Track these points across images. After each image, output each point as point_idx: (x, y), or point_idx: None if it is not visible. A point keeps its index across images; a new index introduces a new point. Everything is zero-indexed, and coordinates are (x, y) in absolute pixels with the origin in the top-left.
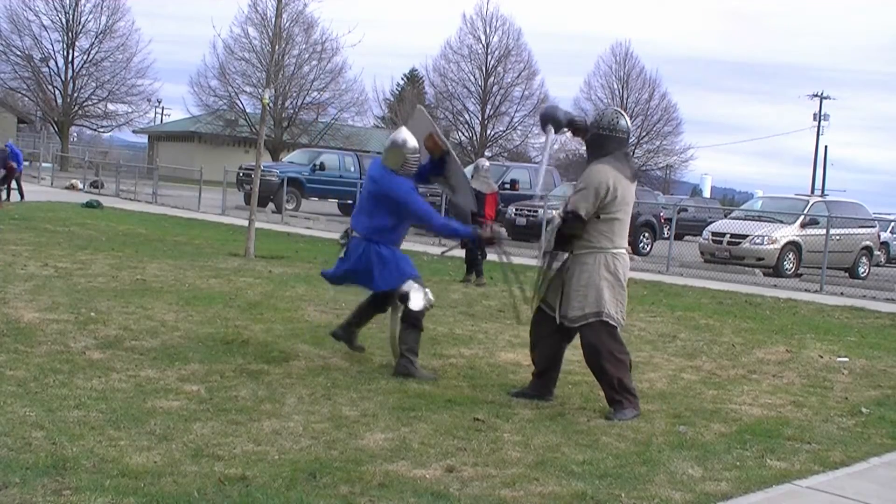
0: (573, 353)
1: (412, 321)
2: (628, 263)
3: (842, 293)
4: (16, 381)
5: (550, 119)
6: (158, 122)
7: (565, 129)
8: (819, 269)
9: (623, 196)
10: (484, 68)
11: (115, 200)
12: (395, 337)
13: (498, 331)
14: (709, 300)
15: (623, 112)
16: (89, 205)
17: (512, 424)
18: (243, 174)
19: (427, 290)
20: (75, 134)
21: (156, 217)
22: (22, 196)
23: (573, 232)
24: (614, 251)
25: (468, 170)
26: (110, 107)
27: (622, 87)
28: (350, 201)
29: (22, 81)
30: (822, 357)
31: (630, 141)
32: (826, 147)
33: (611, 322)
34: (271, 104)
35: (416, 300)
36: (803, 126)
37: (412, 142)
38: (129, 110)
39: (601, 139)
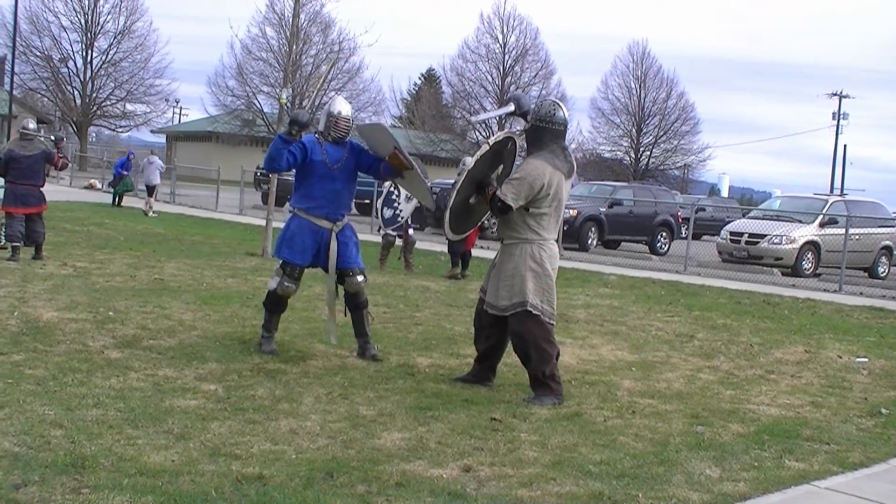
0: (589, 353)
1: (264, 298)
2: (556, 254)
3: (861, 293)
4: (35, 380)
5: (515, 100)
6: (176, 122)
7: (517, 114)
8: (838, 268)
9: (556, 193)
10: (501, 68)
11: (133, 200)
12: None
13: None
14: (726, 300)
15: (561, 104)
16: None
17: (529, 424)
18: (260, 174)
19: (285, 279)
20: (94, 134)
21: (173, 216)
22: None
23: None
24: (541, 242)
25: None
26: (128, 107)
27: (639, 86)
28: (367, 200)
29: (41, 82)
30: (840, 357)
31: (568, 133)
32: (845, 146)
33: (534, 311)
34: (288, 104)
35: (270, 281)
36: (822, 125)
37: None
38: (147, 110)
39: (539, 131)
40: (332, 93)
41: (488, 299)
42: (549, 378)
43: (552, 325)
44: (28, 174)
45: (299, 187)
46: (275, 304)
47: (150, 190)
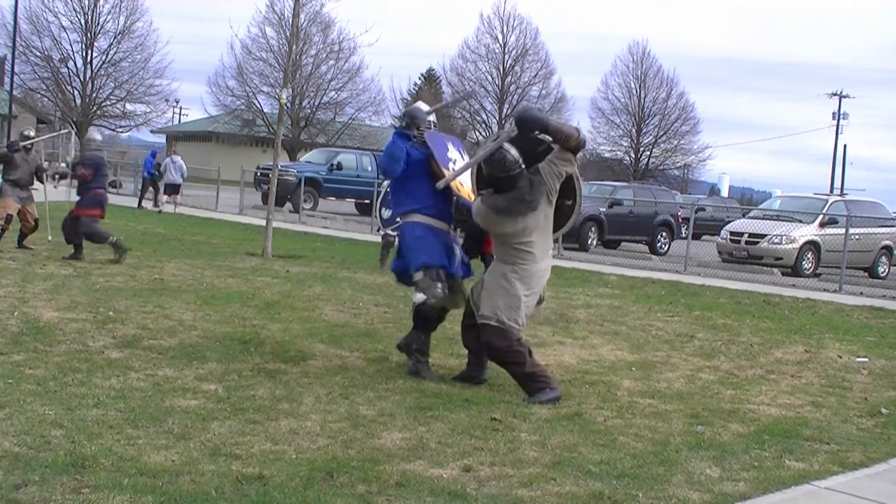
0: (589, 353)
1: (413, 318)
2: (534, 274)
3: (861, 293)
4: (35, 380)
5: (522, 119)
6: (176, 122)
7: (538, 133)
8: (838, 268)
9: (525, 230)
10: (501, 68)
11: (132, 200)
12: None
13: None
14: (727, 300)
15: (507, 148)
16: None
17: (529, 424)
18: (261, 174)
19: (437, 285)
20: None
21: (174, 216)
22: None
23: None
24: (521, 264)
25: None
26: (128, 107)
27: (639, 86)
28: (367, 201)
29: (41, 82)
30: (840, 357)
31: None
32: (845, 146)
33: (501, 326)
34: (288, 104)
35: (417, 295)
36: (822, 125)
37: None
38: (147, 110)
39: (503, 181)
40: (333, 92)
41: (474, 298)
42: (533, 374)
43: (518, 331)
44: (105, 180)
45: (405, 191)
46: (429, 319)
47: (173, 188)
